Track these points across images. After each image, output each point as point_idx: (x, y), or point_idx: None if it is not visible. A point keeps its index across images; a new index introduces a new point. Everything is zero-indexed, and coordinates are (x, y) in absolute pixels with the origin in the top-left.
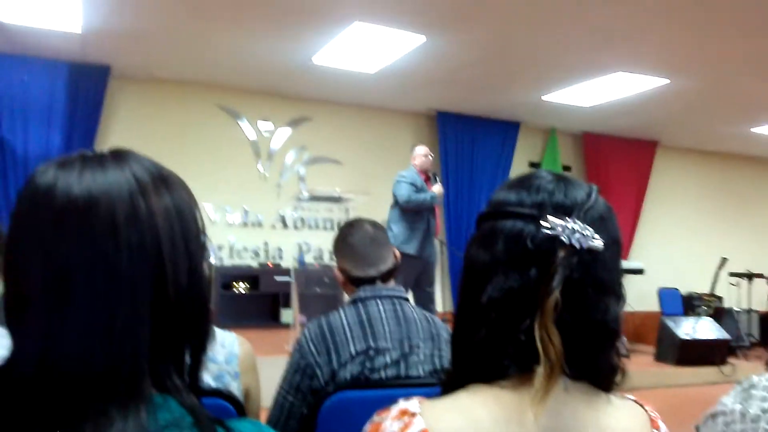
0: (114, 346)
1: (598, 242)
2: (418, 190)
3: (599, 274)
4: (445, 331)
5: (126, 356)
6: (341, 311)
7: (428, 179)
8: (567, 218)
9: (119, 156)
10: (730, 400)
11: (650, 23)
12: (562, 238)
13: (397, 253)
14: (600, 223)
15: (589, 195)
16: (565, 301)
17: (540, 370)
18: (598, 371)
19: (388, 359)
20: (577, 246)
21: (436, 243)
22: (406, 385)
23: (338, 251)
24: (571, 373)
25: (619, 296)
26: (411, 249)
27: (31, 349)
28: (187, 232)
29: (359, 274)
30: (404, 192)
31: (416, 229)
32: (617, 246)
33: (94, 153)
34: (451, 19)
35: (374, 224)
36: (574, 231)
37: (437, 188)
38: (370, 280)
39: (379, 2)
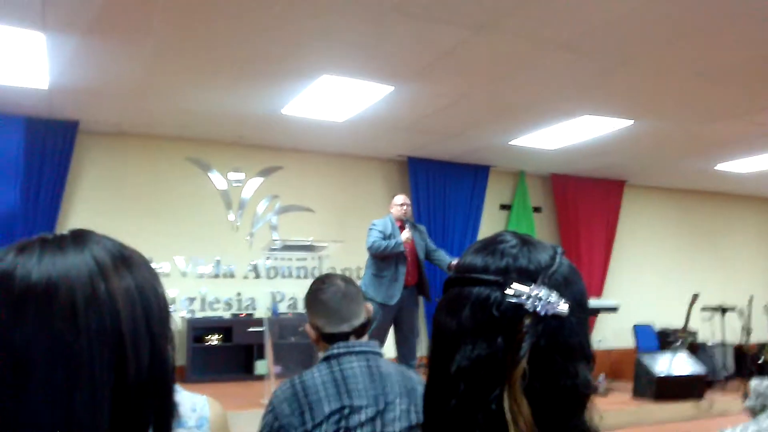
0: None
1: (563, 307)
2: (387, 237)
3: (566, 340)
4: (420, 385)
5: None
6: (314, 370)
7: (403, 227)
8: (532, 284)
9: (79, 238)
10: None
11: (613, 70)
12: (527, 305)
13: (370, 307)
14: (565, 287)
15: (553, 258)
16: (534, 368)
17: None
18: None
19: (363, 417)
20: (542, 313)
21: (409, 290)
22: None
23: (310, 308)
24: None
25: (588, 358)
26: (377, 296)
27: None
28: (149, 313)
29: (332, 331)
30: (370, 239)
31: (383, 277)
32: (583, 308)
33: (53, 236)
34: (418, 71)
35: (345, 279)
36: (538, 298)
37: (404, 234)
38: (344, 336)
39: (346, 56)
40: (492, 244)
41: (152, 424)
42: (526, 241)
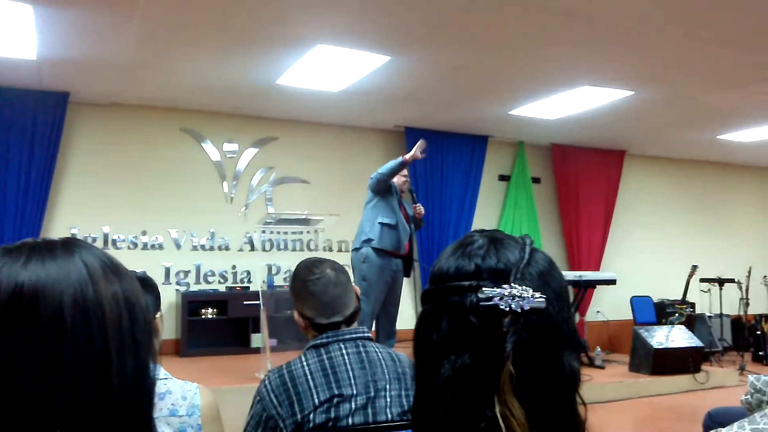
0: None
1: (539, 301)
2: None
3: (549, 332)
4: (411, 369)
5: None
6: (302, 358)
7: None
8: (504, 284)
9: (69, 244)
10: None
11: (612, 40)
12: (501, 306)
13: (358, 290)
14: (539, 279)
15: (522, 252)
16: (520, 366)
17: None
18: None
19: (353, 405)
20: (519, 310)
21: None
22: (374, 431)
23: (299, 298)
24: None
25: (575, 346)
26: (387, 245)
27: None
28: (135, 322)
29: (324, 322)
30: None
31: (393, 226)
32: (562, 297)
33: (43, 241)
34: (415, 40)
35: (335, 267)
36: (512, 296)
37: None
38: (335, 326)
39: (341, 26)
40: (461, 247)
41: None
42: (493, 240)
